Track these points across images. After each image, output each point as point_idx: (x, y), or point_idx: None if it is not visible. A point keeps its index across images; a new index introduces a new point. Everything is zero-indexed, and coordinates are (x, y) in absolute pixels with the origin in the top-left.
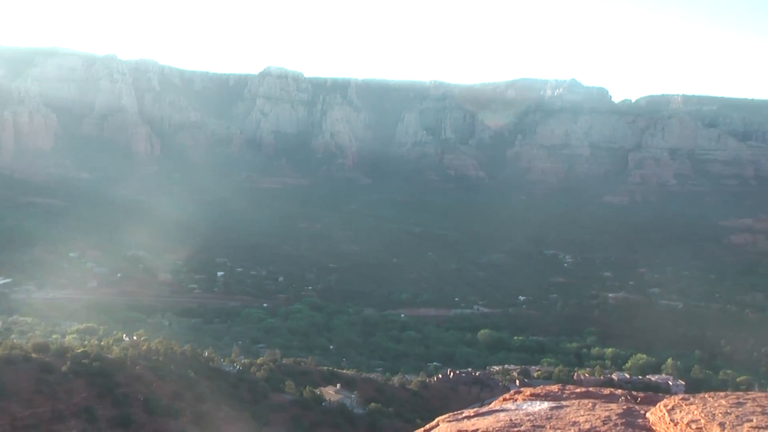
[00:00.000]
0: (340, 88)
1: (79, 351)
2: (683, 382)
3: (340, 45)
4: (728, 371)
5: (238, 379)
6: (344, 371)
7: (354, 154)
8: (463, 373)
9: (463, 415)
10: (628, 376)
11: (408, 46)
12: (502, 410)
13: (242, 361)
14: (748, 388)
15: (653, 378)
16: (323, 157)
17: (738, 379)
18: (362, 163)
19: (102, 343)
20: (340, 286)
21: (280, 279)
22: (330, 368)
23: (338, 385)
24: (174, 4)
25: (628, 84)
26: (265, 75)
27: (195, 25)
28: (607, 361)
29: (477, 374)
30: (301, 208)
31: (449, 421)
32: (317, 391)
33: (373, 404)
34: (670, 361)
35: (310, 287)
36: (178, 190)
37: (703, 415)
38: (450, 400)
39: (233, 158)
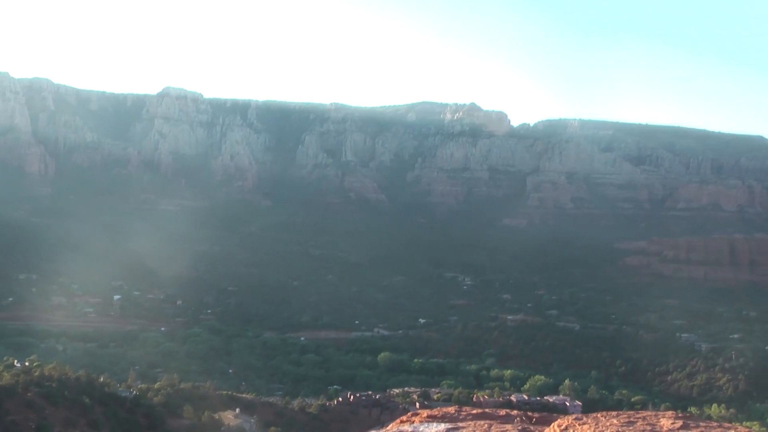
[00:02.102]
0: (240, 109)
1: None
2: (580, 403)
3: (240, 66)
4: (624, 391)
5: (134, 404)
6: (243, 395)
7: (254, 176)
8: (363, 396)
9: None
10: (526, 397)
11: (309, 68)
12: None
13: (139, 386)
14: (643, 407)
15: (551, 399)
16: (223, 179)
17: (633, 399)
18: (262, 185)
19: None
20: (240, 309)
21: (179, 302)
22: (229, 392)
23: (237, 410)
24: (70, 22)
25: (527, 108)
26: (163, 95)
27: (91, 43)
28: (506, 383)
29: (377, 397)
30: (200, 230)
31: None
32: (216, 416)
33: (272, 428)
34: (567, 382)
35: (208, 310)
36: (73, 211)
37: None
38: (350, 424)
39: (130, 179)
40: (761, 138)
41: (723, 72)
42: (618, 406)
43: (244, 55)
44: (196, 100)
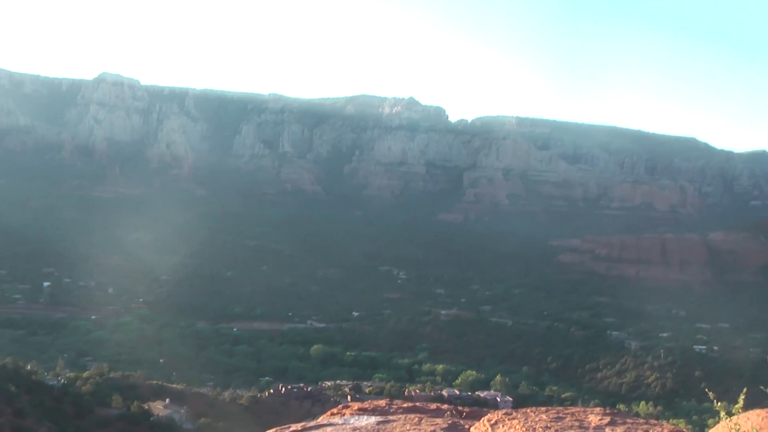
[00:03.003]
0: (177, 97)
1: None
2: (511, 398)
3: (178, 54)
4: (554, 387)
5: (62, 393)
6: (174, 386)
7: (190, 164)
8: (295, 388)
9: (290, 429)
10: (457, 392)
11: (247, 58)
12: (329, 424)
13: (67, 375)
14: (572, 404)
15: (482, 394)
16: (158, 167)
17: (563, 395)
18: (198, 174)
19: None
20: (172, 298)
21: (110, 290)
22: (159, 382)
23: (167, 400)
24: (3, 2)
25: (465, 104)
26: (99, 81)
27: (26, 25)
28: (437, 377)
29: (309, 389)
30: (134, 218)
31: None
32: (145, 406)
33: (203, 419)
34: (498, 377)
35: (140, 299)
36: (3, 196)
37: (524, 429)
38: (281, 415)
39: (64, 165)
40: (694, 139)
41: (659, 73)
42: (548, 402)
43: (183, 43)
44: (133, 86)
